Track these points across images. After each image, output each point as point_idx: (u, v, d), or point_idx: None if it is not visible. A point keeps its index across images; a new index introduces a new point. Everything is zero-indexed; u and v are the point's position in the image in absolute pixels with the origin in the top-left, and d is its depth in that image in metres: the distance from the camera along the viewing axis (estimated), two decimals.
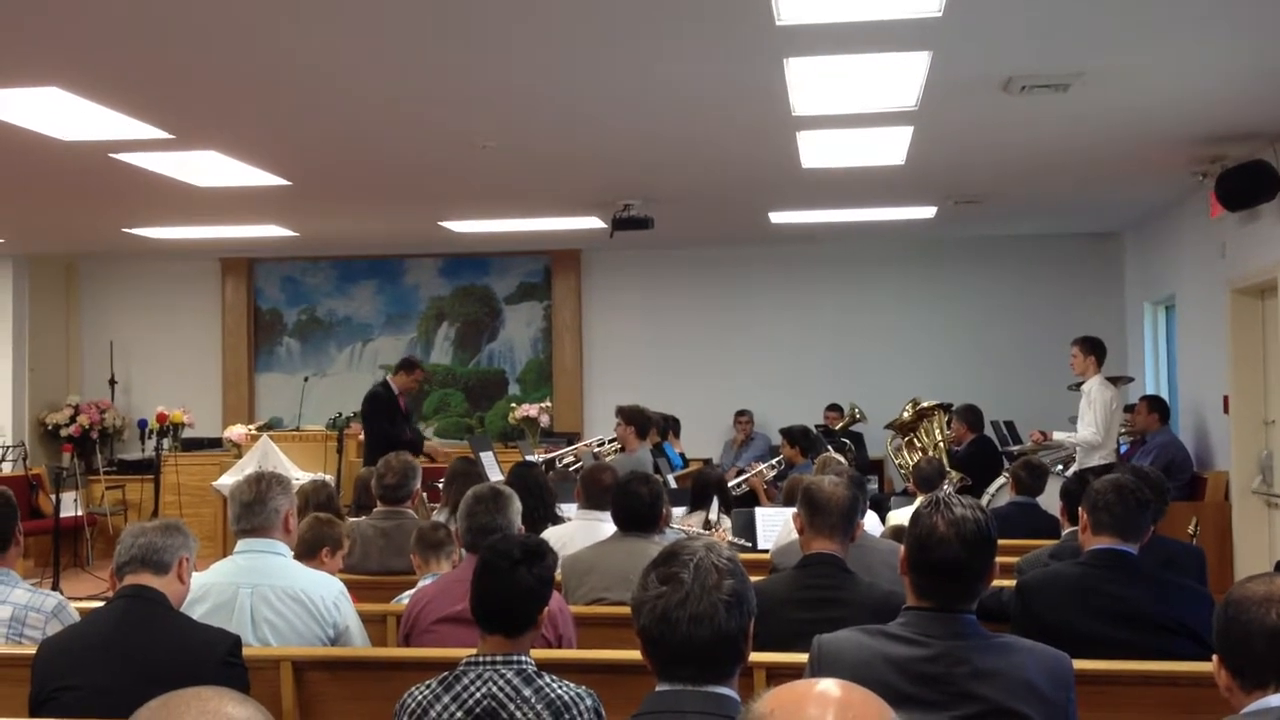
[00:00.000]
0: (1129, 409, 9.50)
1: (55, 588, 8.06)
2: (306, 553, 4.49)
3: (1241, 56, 5.58)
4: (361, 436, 9.71)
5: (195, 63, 5.43)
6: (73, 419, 12.31)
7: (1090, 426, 8.38)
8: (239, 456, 10.53)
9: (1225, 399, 8.45)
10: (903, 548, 2.83)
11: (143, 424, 12.10)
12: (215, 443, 11.82)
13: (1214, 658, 2.26)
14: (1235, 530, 8.33)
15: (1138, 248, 11.40)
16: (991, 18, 4.95)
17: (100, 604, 3.60)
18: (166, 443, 11.44)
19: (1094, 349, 8.62)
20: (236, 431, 11.20)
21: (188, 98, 6.05)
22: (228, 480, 9.61)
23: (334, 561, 4.64)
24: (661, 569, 2.27)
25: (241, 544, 4.02)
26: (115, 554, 3.45)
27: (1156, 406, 9.23)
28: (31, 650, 3.45)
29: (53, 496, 9.69)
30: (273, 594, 3.88)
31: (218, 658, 3.28)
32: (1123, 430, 9.20)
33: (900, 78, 5.80)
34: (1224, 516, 8.36)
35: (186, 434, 11.87)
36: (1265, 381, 8.08)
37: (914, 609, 2.76)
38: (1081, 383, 8.68)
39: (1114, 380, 9.00)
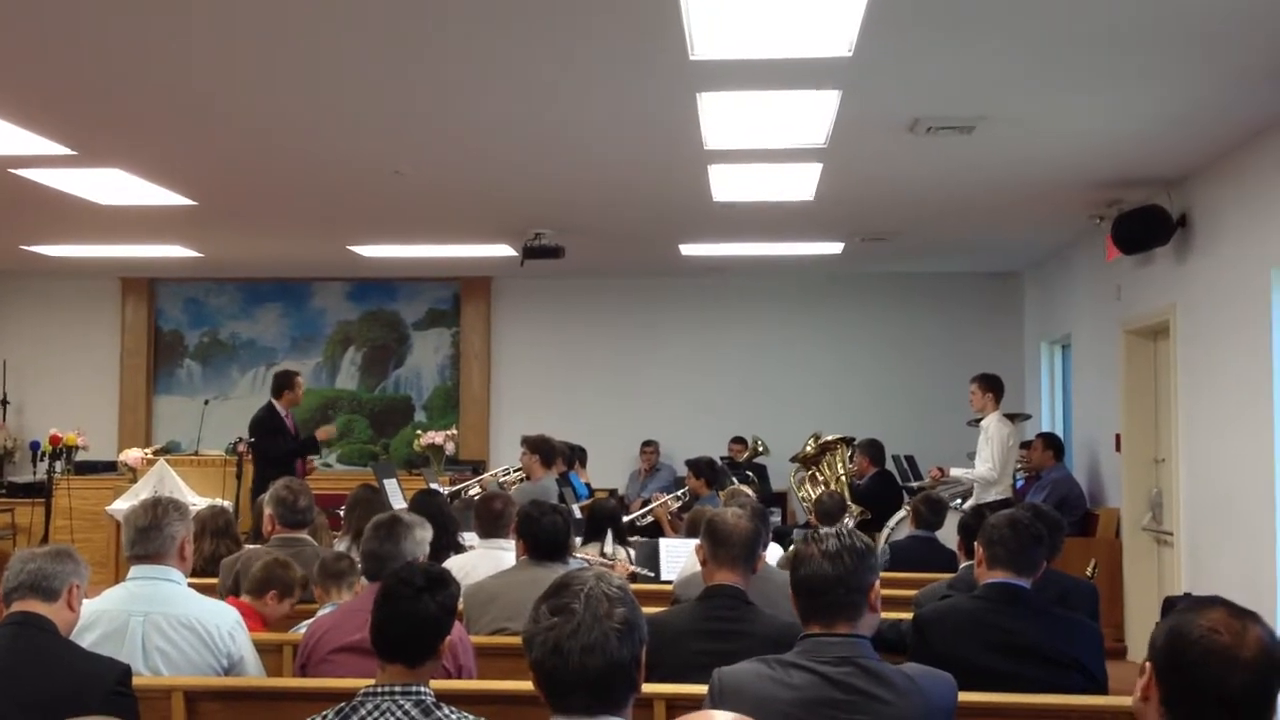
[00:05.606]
0: (1025, 445, 9.69)
1: None
2: (255, 589, 4.56)
3: (1139, 105, 5.76)
4: None
5: (99, 80, 5.34)
6: None
7: (986, 462, 8.52)
8: (134, 480, 10.30)
9: (1118, 437, 8.65)
10: None
11: (35, 446, 11.76)
12: (110, 466, 11.53)
13: (1145, 666, 2.13)
14: (1126, 566, 8.52)
15: (1037, 288, 11.67)
16: (899, 60, 5.05)
17: None
18: (59, 465, 11.13)
19: (992, 386, 8.78)
20: (132, 455, 10.95)
21: (91, 115, 5.94)
22: (122, 505, 9.39)
23: (281, 606, 4.60)
24: (553, 600, 2.27)
25: (135, 570, 3.93)
26: (3, 580, 3.38)
27: (1051, 443, 9.43)
28: None
29: None
30: (165, 622, 3.80)
31: (106, 687, 3.20)
32: (1018, 466, 9.39)
33: (811, 115, 5.89)
34: (1115, 552, 8.54)
35: (80, 457, 11.54)
36: (1156, 421, 8.28)
37: (809, 636, 2.84)
38: (980, 419, 8.84)
39: (1012, 417, 9.18)
